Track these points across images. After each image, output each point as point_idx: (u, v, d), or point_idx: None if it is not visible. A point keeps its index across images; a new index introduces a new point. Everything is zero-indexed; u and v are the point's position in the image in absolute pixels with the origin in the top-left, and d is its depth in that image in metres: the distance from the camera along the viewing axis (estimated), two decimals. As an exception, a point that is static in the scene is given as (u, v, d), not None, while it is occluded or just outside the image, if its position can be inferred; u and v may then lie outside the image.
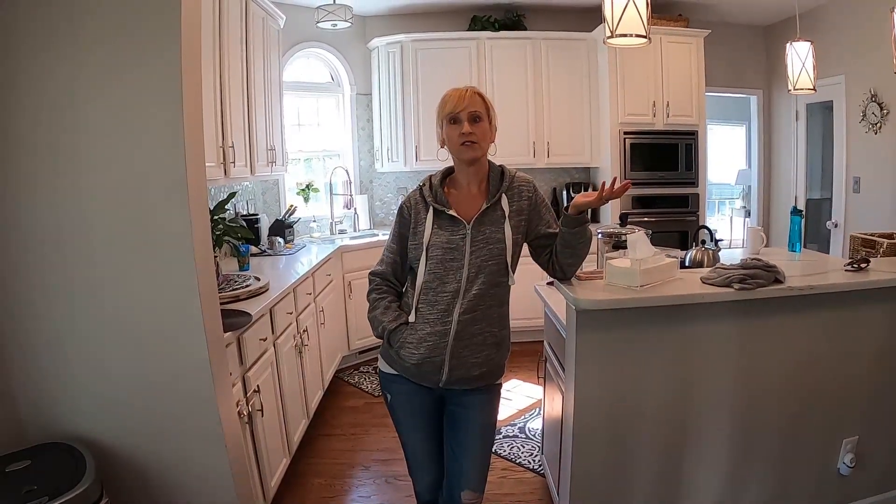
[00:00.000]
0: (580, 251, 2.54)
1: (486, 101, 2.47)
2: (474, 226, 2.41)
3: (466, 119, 2.39)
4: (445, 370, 2.41)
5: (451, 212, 2.43)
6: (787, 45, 4.25)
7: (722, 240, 4.08)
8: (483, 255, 2.39)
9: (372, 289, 2.62)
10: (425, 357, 2.41)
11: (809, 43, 4.19)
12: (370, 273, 2.64)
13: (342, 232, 6.67)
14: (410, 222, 2.50)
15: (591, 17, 6.58)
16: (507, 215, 2.43)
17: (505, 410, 4.72)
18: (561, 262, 2.55)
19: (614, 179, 2.42)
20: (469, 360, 2.42)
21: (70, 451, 2.35)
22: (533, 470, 3.98)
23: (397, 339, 2.47)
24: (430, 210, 2.45)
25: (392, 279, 2.59)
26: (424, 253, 2.42)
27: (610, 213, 6.55)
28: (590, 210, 2.47)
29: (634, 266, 2.65)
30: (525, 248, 2.58)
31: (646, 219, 6.40)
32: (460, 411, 2.53)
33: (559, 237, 2.51)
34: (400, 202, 2.58)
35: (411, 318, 2.45)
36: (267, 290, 3.75)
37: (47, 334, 2.44)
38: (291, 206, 6.09)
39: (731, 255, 3.95)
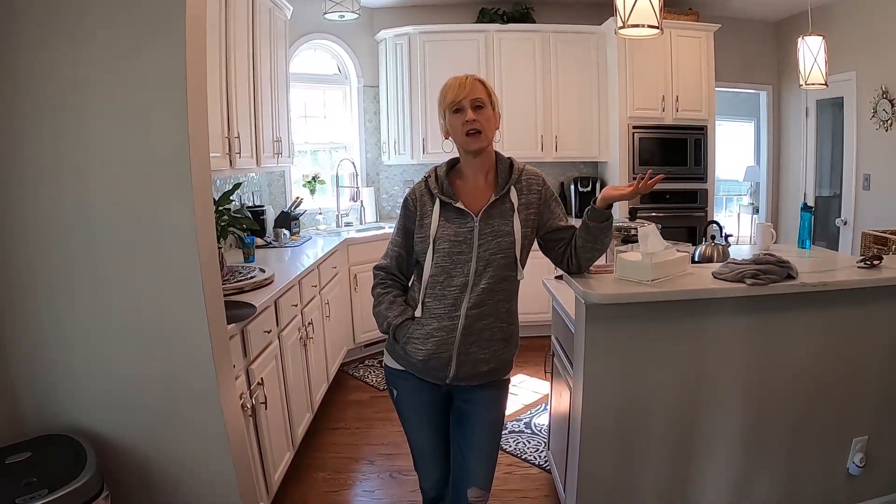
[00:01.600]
0: (603, 245, 2.50)
1: (487, 87, 2.41)
2: (482, 218, 2.36)
3: (469, 107, 2.34)
4: (453, 366, 2.37)
5: (459, 204, 2.38)
6: (799, 39, 4.20)
7: (731, 235, 4.04)
8: (491, 248, 2.34)
9: (377, 283, 2.58)
10: (432, 353, 2.37)
11: (821, 38, 4.14)
12: (375, 267, 2.60)
13: (348, 224, 6.66)
14: (416, 215, 2.45)
15: (600, 10, 6.53)
16: (515, 208, 2.39)
17: (511, 405, 4.66)
18: (580, 256, 2.51)
19: (649, 174, 2.40)
20: (477, 356, 2.38)
21: (70, 444, 2.32)
22: (539, 466, 3.96)
23: (403, 334, 2.42)
24: (437, 202, 2.41)
25: (397, 273, 2.56)
26: (431, 246, 2.38)
27: (619, 208, 6.51)
28: None
29: (646, 260, 2.62)
30: (534, 244, 2.54)
31: (654, 214, 6.35)
32: (467, 407, 2.49)
33: (584, 232, 2.46)
34: (405, 195, 2.54)
35: (418, 313, 2.41)
36: (272, 281, 3.72)
37: (49, 325, 2.41)
38: (297, 198, 6.07)
39: (739, 252, 3.91)
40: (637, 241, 2.82)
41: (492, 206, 2.38)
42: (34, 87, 2.28)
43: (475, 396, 2.47)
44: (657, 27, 3.01)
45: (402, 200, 2.53)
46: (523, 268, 2.43)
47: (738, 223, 10.62)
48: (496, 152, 2.50)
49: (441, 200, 2.40)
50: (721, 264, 2.83)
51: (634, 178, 2.48)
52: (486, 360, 2.39)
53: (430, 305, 2.39)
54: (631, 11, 2.96)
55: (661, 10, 2.99)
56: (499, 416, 2.56)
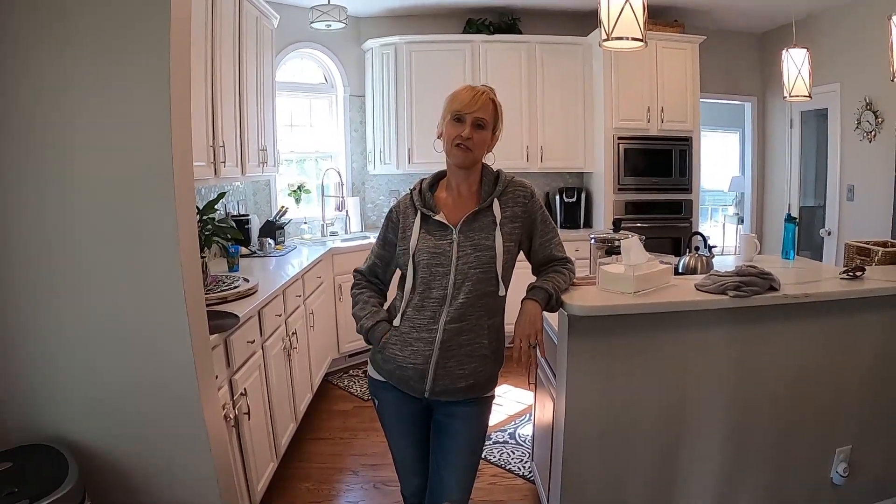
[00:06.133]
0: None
1: (497, 110, 2.42)
2: (462, 230, 2.35)
3: (470, 123, 2.34)
4: (429, 379, 2.35)
5: (439, 217, 2.38)
6: (784, 51, 4.24)
7: (715, 246, 4.06)
8: (470, 262, 2.32)
9: (353, 285, 2.63)
10: (409, 361, 2.35)
11: (805, 50, 4.18)
12: (354, 270, 2.66)
13: (333, 234, 6.64)
14: (399, 227, 2.47)
15: (587, 22, 6.56)
16: (497, 221, 2.37)
17: (495, 416, 4.67)
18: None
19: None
20: (455, 372, 2.35)
21: (52, 454, 2.30)
22: (523, 476, 3.95)
23: (377, 338, 2.43)
24: (418, 214, 2.41)
25: (372, 277, 2.60)
26: (411, 258, 2.38)
27: (603, 219, 6.53)
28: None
29: (628, 272, 2.62)
30: (520, 257, 2.52)
31: (638, 224, 6.38)
32: (447, 421, 2.47)
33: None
34: (391, 205, 2.55)
35: (396, 322, 2.41)
36: (256, 291, 3.71)
37: (29, 334, 2.39)
38: (283, 207, 6.05)
39: (723, 262, 3.92)
40: (620, 253, 2.83)
41: (473, 218, 2.37)
42: (17, 92, 2.26)
43: (455, 411, 2.44)
44: (641, 40, 3.03)
45: (387, 210, 2.55)
46: (507, 285, 2.41)
47: (723, 233, 10.67)
48: (484, 164, 2.50)
49: (422, 213, 2.40)
50: (704, 276, 2.84)
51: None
52: (464, 375, 2.36)
53: (410, 315, 2.38)
54: (615, 24, 2.98)
55: (645, 24, 3.01)
56: (478, 433, 2.52)
